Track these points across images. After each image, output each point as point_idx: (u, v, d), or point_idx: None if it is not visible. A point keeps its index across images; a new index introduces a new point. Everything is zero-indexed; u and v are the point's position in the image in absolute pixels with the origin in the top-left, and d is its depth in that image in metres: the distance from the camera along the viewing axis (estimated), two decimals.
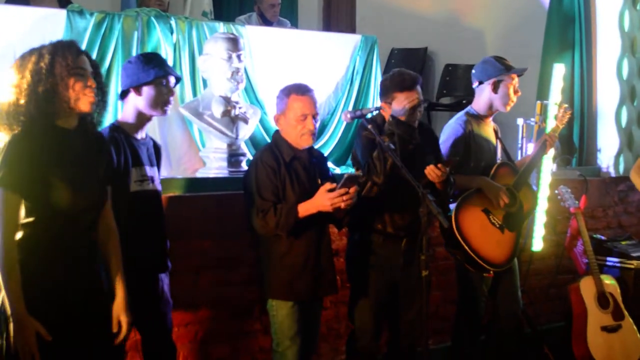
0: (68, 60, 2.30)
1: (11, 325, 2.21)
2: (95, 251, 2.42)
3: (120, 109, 3.24)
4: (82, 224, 2.35)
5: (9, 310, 2.21)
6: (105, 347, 2.42)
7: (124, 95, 2.88)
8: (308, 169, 3.09)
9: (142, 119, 2.87)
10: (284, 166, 3.02)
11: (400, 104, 3.18)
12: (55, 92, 2.28)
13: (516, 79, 3.65)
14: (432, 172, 3.10)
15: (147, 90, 2.82)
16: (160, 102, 2.85)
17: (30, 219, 2.26)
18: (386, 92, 3.27)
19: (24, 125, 2.26)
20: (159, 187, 2.93)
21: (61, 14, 3.69)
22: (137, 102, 2.84)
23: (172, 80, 2.92)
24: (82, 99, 2.32)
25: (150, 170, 2.86)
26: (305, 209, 2.92)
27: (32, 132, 2.26)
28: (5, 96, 2.30)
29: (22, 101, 2.27)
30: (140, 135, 2.88)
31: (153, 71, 2.82)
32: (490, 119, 3.73)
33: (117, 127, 2.84)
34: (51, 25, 3.63)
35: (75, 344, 2.30)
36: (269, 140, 4.16)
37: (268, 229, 2.95)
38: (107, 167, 2.48)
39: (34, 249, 2.27)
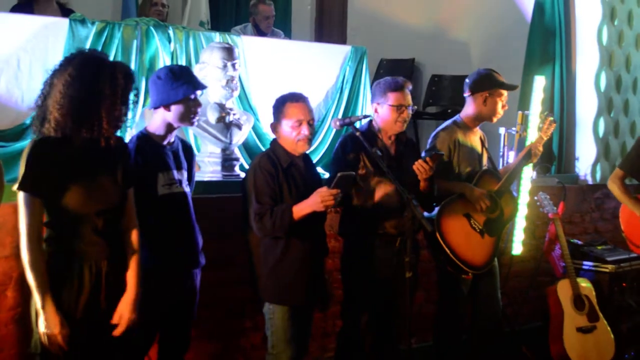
0: (118, 81, 2.35)
1: (40, 319, 2.33)
2: (114, 249, 2.48)
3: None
4: (97, 225, 2.42)
5: (38, 304, 2.32)
6: (119, 346, 2.50)
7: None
8: (304, 176, 3.16)
9: (170, 129, 2.95)
10: (282, 172, 3.08)
11: (396, 101, 3.35)
12: (94, 109, 2.33)
13: (505, 94, 3.75)
14: (420, 166, 3.22)
15: (176, 108, 2.89)
16: (188, 116, 2.93)
17: (48, 220, 2.37)
18: (380, 93, 3.41)
19: (46, 131, 2.33)
20: (186, 189, 3.00)
21: (64, 22, 3.77)
22: (166, 116, 2.91)
23: (199, 92, 2.98)
24: (108, 127, 2.36)
25: (177, 174, 2.94)
26: (300, 209, 2.98)
27: (53, 137, 2.33)
28: (41, 103, 2.37)
29: (56, 108, 2.32)
30: (167, 141, 2.96)
31: (182, 89, 2.87)
32: (477, 127, 3.83)
33: (145, 136, 2.92)
34: (54, 34, 3.72)
35: (91, 336, 2.41)
36: (261, 146, 4.27)
37: (266, 232, 3.02)
38: (125, 171, 2.53)
39: (50, 248, 2.37)
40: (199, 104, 2.97)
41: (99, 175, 2.44)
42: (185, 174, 3.01)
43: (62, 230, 2.39)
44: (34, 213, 2.33)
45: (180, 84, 2.88)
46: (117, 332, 2.50)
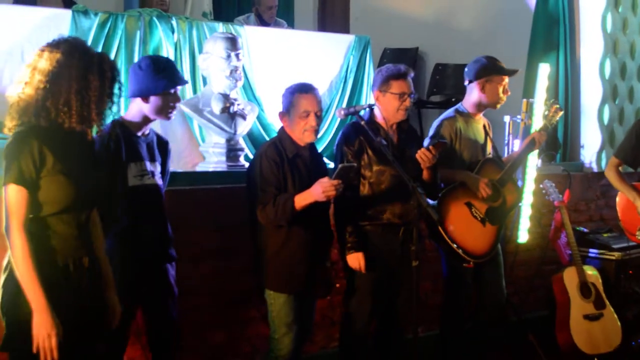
0: (106, 73, 2.30)
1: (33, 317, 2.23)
2: (91, 244, 2.42)
3: (124, 106, 3.33)
4: (81, 219, 2.36)
5: (30, 301, 2.22)
6: (105, 335, 2.47)
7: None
8: (309, 167, 3.19)
9: (146, 120, 2.93)
10: (287, 162, 3.12)
11: (399, 89, 3.33)
12: (84, 99, 2.26)
13: (506, 79, 3.74)
14: (423, 154, 3.23)
15: (154, 100, 2.87)
16: (165, 110, 2.91)
17: (37, 214, 2.28)
18: (382, 81, 3.40)
19: (31, 120, 2.26)
20: (159, 181, 2.96)
21: (66, 14, 3.78)
22: (143, 107, 2.89)
23: (179, 87, 2.97)
24: (97, 119, 2.31)
25: (150, 166, 2.91)
26: (302, 198, 3.02)
27: (37, 127, 2.25)
28: (23, 91, 2.28)
29: (38, 97, 2.24)
30: (142, 132, 2.93)
31: (162, 83, 2.85)
32: (480, 115, 3.82)
33: (120, 123, 2.89)
34: (57, 25, 3.72)
35: (79, 336, 2.34)
36: (266, 136, 4.30)
37: (269, 220, 3.06)
38: (104, 164, 2.51)
39: (39, 243, 2.27)
40: (177, 99, 2.95)
41: (83, 167, 2.38)
42: (158, 166, 2.98)
43: (46, 227, 2.30)
44: (24, 206, 2.24)
45: (162, 77, 2.86)
46: (114, 324, 2.49)
